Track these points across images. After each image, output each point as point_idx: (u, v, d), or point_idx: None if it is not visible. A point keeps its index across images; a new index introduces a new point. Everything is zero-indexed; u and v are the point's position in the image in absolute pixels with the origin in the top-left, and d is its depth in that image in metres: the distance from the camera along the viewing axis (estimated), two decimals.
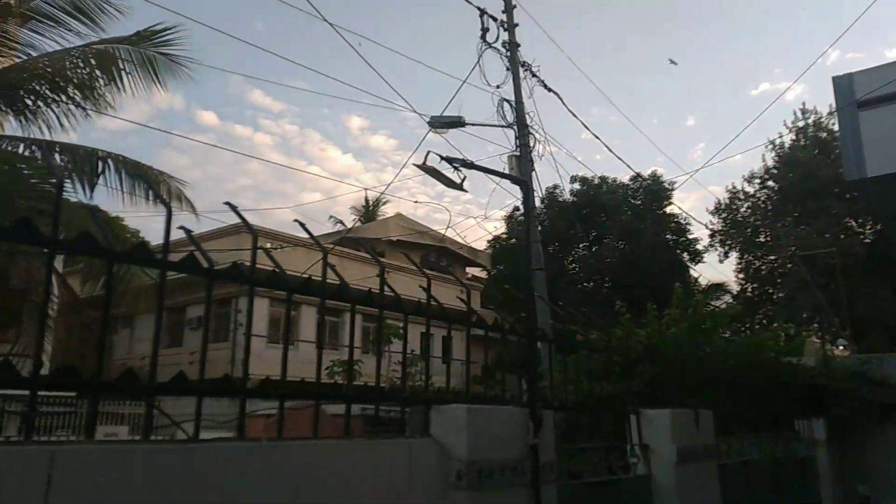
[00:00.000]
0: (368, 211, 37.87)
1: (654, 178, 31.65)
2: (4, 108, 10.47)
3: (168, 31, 10.77)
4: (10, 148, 11.00)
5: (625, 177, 32.72)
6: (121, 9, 11.01)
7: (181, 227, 2.44)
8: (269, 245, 20.50)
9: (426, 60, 73.38)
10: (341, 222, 36.19)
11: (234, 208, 2.73)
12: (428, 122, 12.59)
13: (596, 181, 31.71)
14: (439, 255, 29.91)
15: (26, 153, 10.94)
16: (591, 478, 4.19)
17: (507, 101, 13.05)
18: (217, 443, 2.21)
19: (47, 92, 10.67)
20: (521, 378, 3.99)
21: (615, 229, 30.14)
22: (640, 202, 31.84)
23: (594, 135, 29.59)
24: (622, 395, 5.21)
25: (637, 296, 19.93)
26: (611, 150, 38.51)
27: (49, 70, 10.46)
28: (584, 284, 30.59)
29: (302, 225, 3.00)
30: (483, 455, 3.01)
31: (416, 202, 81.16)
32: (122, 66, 10.61)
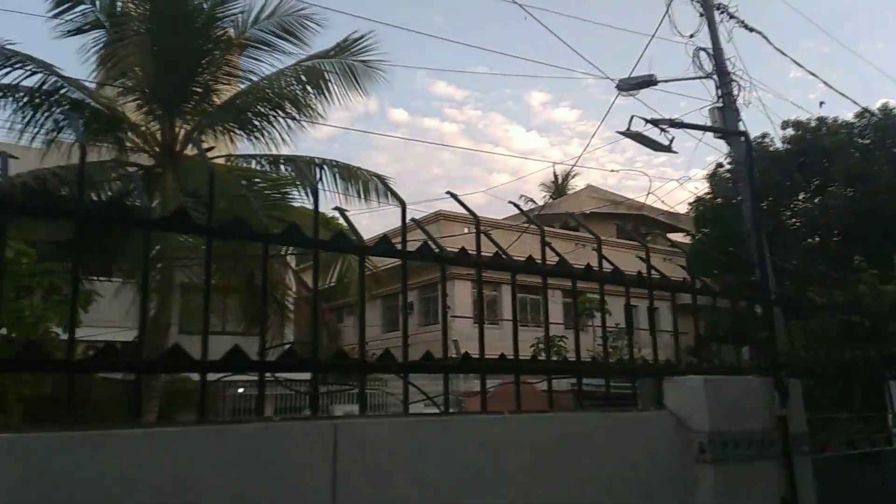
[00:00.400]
0: (558, 186, 37.58)
1: (886, 111, 27.34)
2: (238, 130, 12.04)
3: (363, 39, 11.61)
4: (244, 164, 12.65)
5: (848, 114, 28.76)
6: (320, 22, 12.08)
7: (412, 220, 2.64)
8: (465, 230, 21.25)
9: (608, 22, 70.36)
10: (531, 200, 36.34)
11: (455, 197, 2.90)
12: (616, 86, 12.13)
13: (812, 124, 28.23)
14: (636, 223, 28.79)
15: (257, 167, 12.51)
16: (835, 450, 3.83)
17: (703, 49, 12.13)
18: (468, 415, 2.38)
19: (269, 111, 12.06)
20: (752, 346, 3.74)
21: (841, 175, 26.60)
22: (869, 141, 27.75)
23: (809, 71, 26.08)
24: (872, 360, 4.66)
25: (876, 247, 17.52)
26: (829, 86, 33.94)
27: (269, 91, 11.81)
28: (809, 240, 27.51)
29: (517, 206, 3.09)
30: (724, 427, 2.89)
31: (612, 171, 78.47)
32: (327, 78, 11.67)
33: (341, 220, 2.63)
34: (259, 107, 11.79)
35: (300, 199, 12.01)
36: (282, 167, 12.36)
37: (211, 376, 2.02)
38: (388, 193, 12.71)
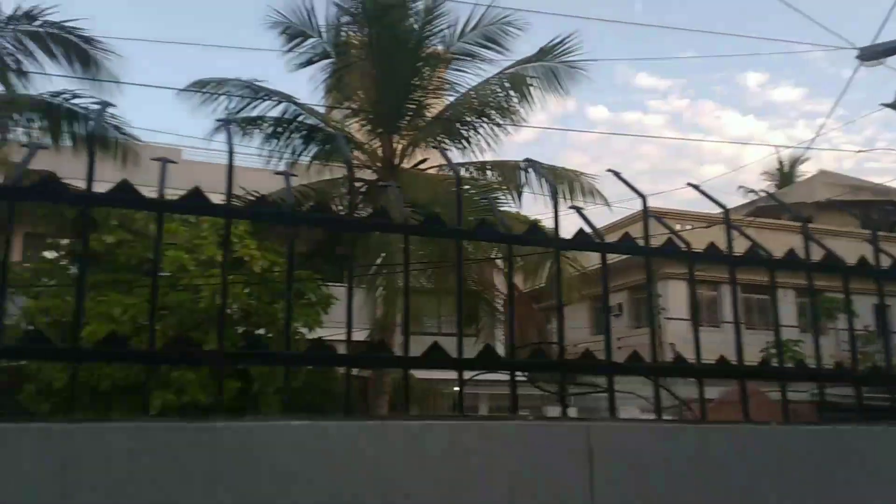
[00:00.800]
0: (783, 173, 33.93)
1: None
2: (447, 140, 12.63)
3: (565, 41, 11.54)
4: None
5: None
6: (521, 27, 12.22)
7: (653, 216, 2.52)
8: (677, 227, 20.08)
9: None
10: (752, 191, 33.22)
11: (697, 188, 2.71)
12: (858, 56, 10.66)
13: None
14: (887, 210, 25.01)
15: (465, 174, 12.99)
16: None
17: None
18: (727, 424, 2.23)
19: (474, 119, 12.49)
20: None
21: None
22: None
23: None
24: None
25: None
26: None
27: (475, 101, 12.23)
28: None
29: (771, 195, 2.81)
30: None
31: (859, 151, 68.19)
32: (529, 83, 11.77)
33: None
34: (466, 116, 12.26)
35: (506, 203, 12.29)
36: (488, 172, 12.72)
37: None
38: (594, 192, 12.53)
